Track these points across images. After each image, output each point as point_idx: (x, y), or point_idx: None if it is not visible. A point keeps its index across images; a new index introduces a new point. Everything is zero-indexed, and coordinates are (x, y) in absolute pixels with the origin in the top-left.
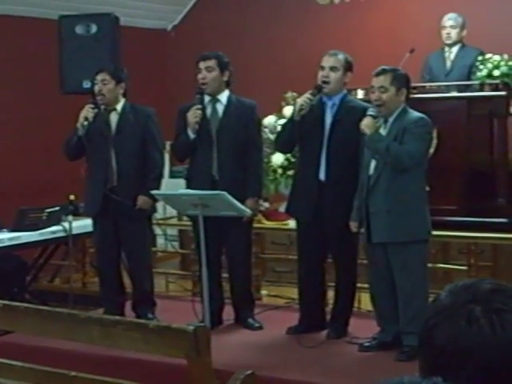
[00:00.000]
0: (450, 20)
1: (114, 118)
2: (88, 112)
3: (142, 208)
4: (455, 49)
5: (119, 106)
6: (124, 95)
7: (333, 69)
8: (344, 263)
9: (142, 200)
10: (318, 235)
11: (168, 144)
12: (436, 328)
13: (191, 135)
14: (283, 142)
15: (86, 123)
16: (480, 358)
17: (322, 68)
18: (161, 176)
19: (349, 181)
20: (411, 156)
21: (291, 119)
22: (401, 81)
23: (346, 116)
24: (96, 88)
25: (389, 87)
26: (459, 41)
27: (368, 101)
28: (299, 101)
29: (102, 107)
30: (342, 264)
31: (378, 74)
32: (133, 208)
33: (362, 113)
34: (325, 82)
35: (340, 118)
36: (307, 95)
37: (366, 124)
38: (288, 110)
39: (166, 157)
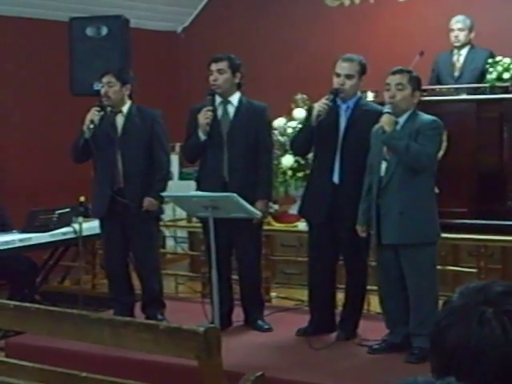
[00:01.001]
0: (458, 22)
1: (120, 120)
2: (94, 115)
3: (149, 209)
4: (464, 51)
5: (125, 108)
6: (130, 97)
7: (348, 76)
8: (355, 266)
9: (148, 202)
10: (329, 237)
11: (178, 145)
12: (448, 329)
13: (202, 137)
14: (299, 146)
15: (92, 126)
16: (491, 359)
17: (338, 75)
18: (167, 177)
19: (362, 184)
20: (429, 156)
21: (308, 124)
22: (416, 82)
23: (360, 119)
24: (102, 90)
25: (406, 85)
26: (468, 43)
27: (379, 103)
28: (317, 107)
29: (108, 109)
30: (352, 266)
31: (394, 73)
32: (139, 209)
33: (376, 116)
34: (340, 90)
35: (354, 121)
36: (324, 101)
37: (385, 121)
38: (298, 112)
39: (176, 158)
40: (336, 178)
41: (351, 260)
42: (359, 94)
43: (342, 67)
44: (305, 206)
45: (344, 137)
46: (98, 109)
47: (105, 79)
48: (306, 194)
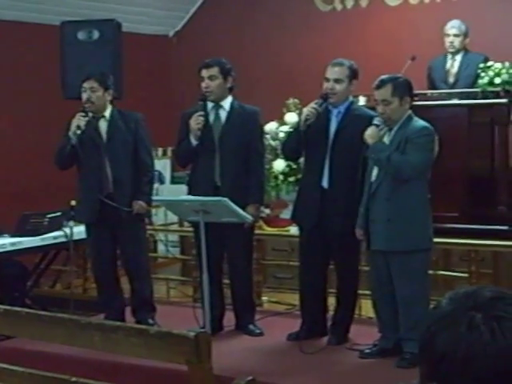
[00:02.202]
0: (453, 28)
1: (103, 125)
2: (80, 120)
3: (139, 213)
4: (459, 57)
5: (107, 113)
6: (111, 102)
7: (338, 81)
8: (346, 270)
9: (138, 205)
10: (320, 242)
11: (170, 150)
12: (437, 335)
13: (193, 142)
14: (289, 150)
15: (78, 132)
16: (480, 365)
17: (327, 80)
18: (153, 179)
19: (352, 188)
20: (413, 167)
21: (297, 128)
22: (402, 89)
23: (351, 124)
24: (84, 95)
25: (391, 99)
26: (462, 48)
27: (371, 107)
28: (305, 111)
29: (90, 115)
30: (343, 271)
31: (378, 87)
32: (129, 213)
33: (368, 121)
34: (330, 95)
35: (344, 125)
36: (313, 105)
37: (370, 134)
38: (290, 117)
39: (168, 162)
40: (325, 183)
41: (342, 264)
42: (351, 98)
43: (332, 72)
44: (296, 211)
45: (333, 141)
46: (83, 114)
47: (87, 84)
48: (297, 199)
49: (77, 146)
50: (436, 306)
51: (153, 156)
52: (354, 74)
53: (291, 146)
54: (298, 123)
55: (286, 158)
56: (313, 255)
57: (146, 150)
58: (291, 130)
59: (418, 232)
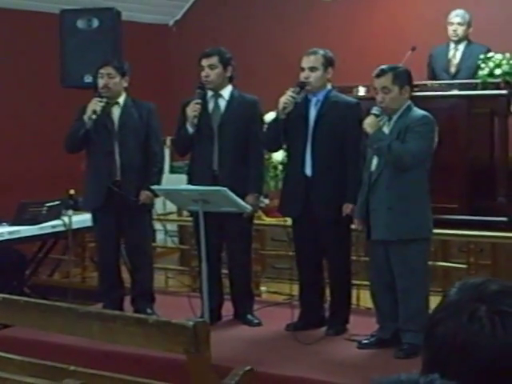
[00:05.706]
0: (457, 17)
1: (116, 111)
2: (96, 105)
3: (145, 203)
4: (461, 47)
5: (121, 100)
6: (125, 89)
7: (312, 69)
8: (336, 259)
9: (145, 195)
10: (309, 231)
11: (169, 139)
12: (440, 323)
13: (190, 129)
14: (269, 140)
15: (94, 116)
16: (477, 356)
17: (302, 69)
18: (162, 170)
19: (335, 175)
20: (413, 155)
21: (276, 119)
22: (402, 78)
23: (330, 111)
24: (101, 81)
25: (392, 87)
26: (465, 38)
27: (370, 98)
28: (282, 99)
29: (105, 100)
30: (334, 260)
31: (378, 76)
32: (135, 202)
33: (347, 107)
34: (306, 83)
35: (324, 113)
36: (290, 93)
37: (369, 123)
38: None
39: (167, 152)
40: (308, 171)
41: (332, 253)
42: (329, 86)
43: (307, 61)
44: (282, 202)
45: (314, 129)
46: (100, 99)
47: (104, 70)
48: (283, 190)
49: (91, 130)
50: (444, 294)
51: (163, 146)
52: (328, 62)
53: (270, 136)
54: (277, 114)
55: (267, 149)
56: (304, 245)
57: (157, 141)
58: (271, 121)
59: (418, 220)
